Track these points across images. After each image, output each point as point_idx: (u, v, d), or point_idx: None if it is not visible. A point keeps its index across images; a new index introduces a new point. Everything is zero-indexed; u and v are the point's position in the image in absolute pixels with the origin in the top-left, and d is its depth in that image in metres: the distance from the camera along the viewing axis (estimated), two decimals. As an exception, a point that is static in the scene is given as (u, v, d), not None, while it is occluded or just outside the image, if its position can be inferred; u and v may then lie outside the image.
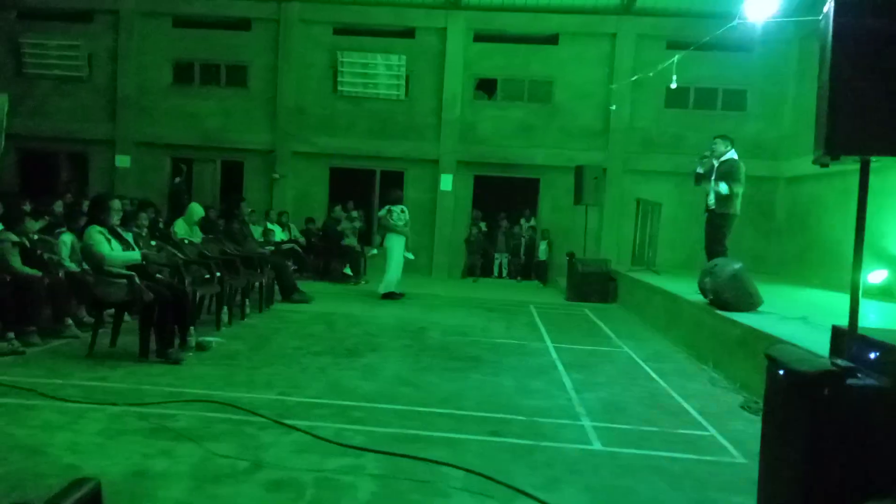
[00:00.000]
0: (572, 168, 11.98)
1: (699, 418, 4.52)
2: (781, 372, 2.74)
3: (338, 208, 12.55)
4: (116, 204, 5.59)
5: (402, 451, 3.54)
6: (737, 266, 6.24)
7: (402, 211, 9.91)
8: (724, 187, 7.21)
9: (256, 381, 4.90)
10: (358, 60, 13.57)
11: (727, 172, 7.24)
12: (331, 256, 11.99)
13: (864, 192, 2.75)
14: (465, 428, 4.05)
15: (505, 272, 13.97)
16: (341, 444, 3.60)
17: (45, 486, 2.92)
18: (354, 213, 12.68)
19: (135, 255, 5.44)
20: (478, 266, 13.70)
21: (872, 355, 2.53)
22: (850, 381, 2.45)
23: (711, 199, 7.41)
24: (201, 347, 5.69)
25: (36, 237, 6.29)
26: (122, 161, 13.89)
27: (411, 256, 10.16)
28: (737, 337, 5.55)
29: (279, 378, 5.01)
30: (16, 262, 5.70)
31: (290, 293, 9.02)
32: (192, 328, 5.74)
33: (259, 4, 13.70)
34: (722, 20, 9.02)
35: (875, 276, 8.63)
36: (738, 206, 7.32)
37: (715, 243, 7.37)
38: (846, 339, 2.73)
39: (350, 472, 3.27)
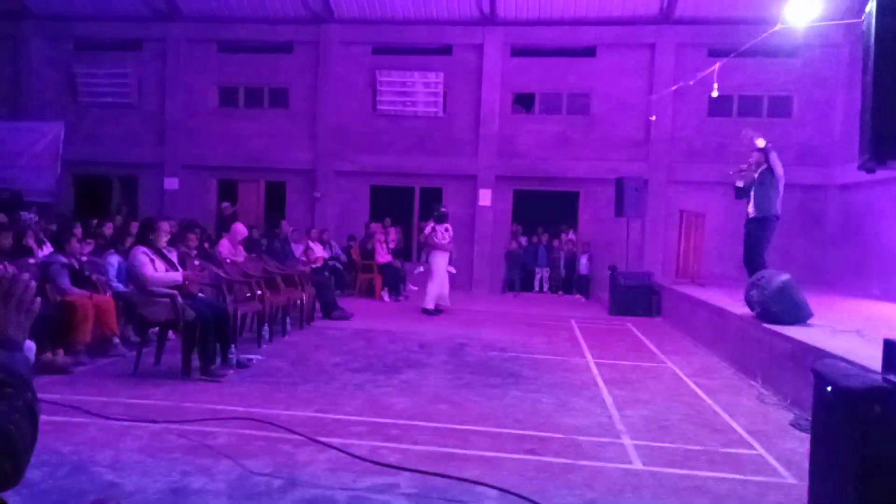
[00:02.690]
0: (613, 180, 11.82)
1: (747, 437, 4.35)
2: (829, 388, 2.62)
3: (373, 225, 12.63)
4: (165, 226, 5.75)
5: (438, 469, 3.49)
6: (784, 277, 6.02)
7: (447, 230, 10.03)
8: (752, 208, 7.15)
9: (295, 397, 4.93)
10: (396, 79, 13.73)
11: (763, 182, 7.05)
12: (371, 273, 12.07)
13: (914, 199, 2.62)
14: (501, 446, 3.99)
15: (546, 287, 13.82)
16: (376, 463, 3.57)
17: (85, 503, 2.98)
18: (391, 230, 12.74)
19: (176, 276, 5.57)
20: (518, 281, 13.58)
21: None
22: (902, 398, 2.32)
23: (751, 209, 7.22)
24: (242, 365, 5.77)
25: (85, 258, 6.50)
26: (171, 183, 14.33)
27: (453, 270, 10.32)
28: (786, 351, 5.34)
29: (317, 395, 5.03)
30: (65, 282, 5.90)
31: (330, 310, 9.09)
32: (233, 346, 5.82)
33: (300, 28, 14.00)
34: (764, 26, 8.82)
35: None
36: (777, 206, 7.08)
37: (754, 255, 7.13)
38: (898, 353, 2.59)
39: (383, 490, 3.24)
